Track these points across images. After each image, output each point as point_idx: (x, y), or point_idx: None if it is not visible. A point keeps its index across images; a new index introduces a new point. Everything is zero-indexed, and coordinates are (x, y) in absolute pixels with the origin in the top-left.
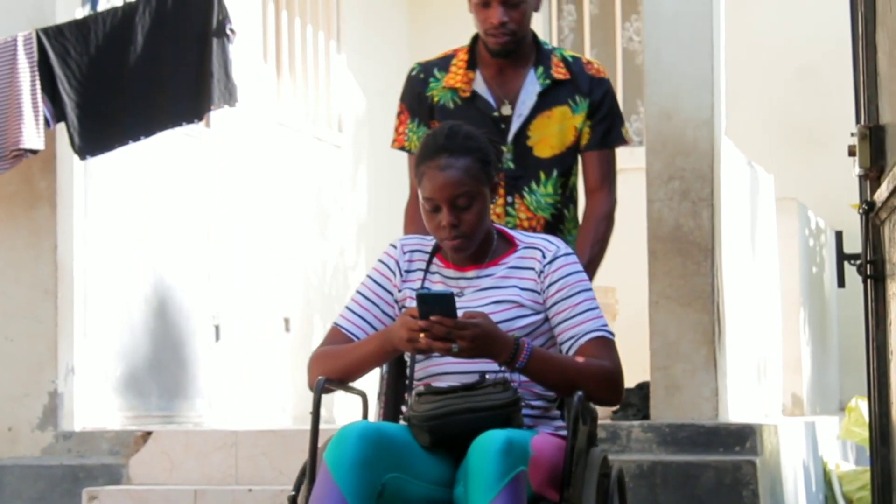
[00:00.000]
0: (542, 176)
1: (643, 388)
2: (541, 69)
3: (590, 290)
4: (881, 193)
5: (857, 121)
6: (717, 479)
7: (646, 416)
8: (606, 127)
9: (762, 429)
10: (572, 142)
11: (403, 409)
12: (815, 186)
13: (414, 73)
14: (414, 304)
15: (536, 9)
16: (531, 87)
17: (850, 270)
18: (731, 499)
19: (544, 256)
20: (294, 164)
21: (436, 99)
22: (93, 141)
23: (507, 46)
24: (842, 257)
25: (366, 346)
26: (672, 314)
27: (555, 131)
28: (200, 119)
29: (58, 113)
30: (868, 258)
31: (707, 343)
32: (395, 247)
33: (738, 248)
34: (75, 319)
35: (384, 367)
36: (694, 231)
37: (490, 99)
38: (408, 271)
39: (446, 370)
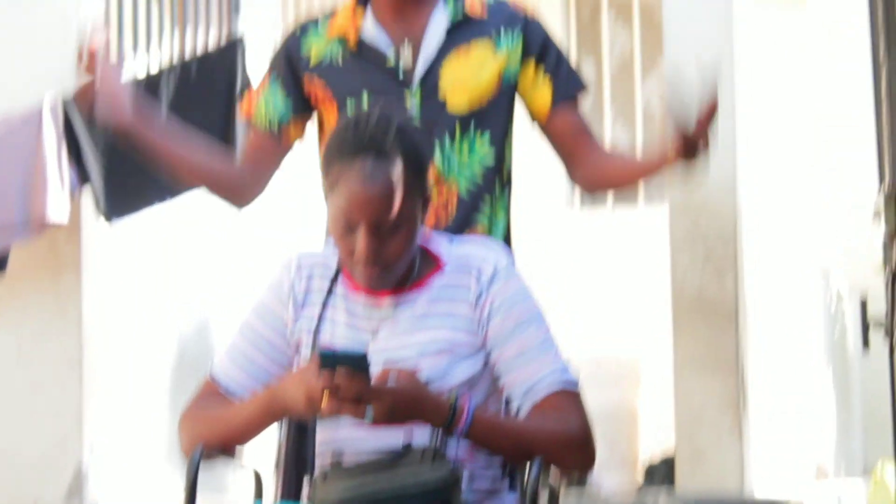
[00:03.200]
0: (457, 130)
1: (669, 462)
2: (451, 0)
3: (541, 318)
4: None
5: (881, 182)
6: None
7: (672, 483)
8: (567, 71)
9: None
10: (495, 90)
11: (307, 486)
12: (837, 249)
13: (290, 33)
14: (312, 342)
15: None
16: (438, 22)
17: (875, 334)
18: None
19: (480, 276)
20: (320, 227)
21: (314, 60)
22: (119, 204)
23: None
24: (866, 323)
25: (248, 409)
26: (697, 381)
27: (471, 74)
28: None
29: (83, 178)
30: (894, 322)
31: (732, 410)
32: (288, 265)
33: (762, 312)
34: (101, 390)
35: (281, 426)
36: (718, 296)
37: (385, 42)
38: (304, 299)
39: (361, 439)
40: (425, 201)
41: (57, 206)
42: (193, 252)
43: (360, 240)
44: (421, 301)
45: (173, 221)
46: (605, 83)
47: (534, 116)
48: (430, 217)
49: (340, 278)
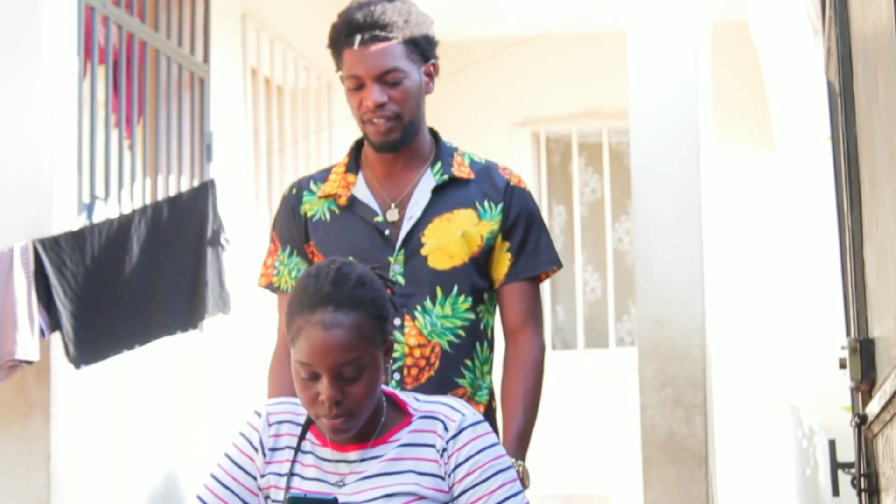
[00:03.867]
0: (439, 292)
1: None
2: (438, 165)
3: (508, 468)
4: (873, 408)
5: (847, 333)
6: None
7: None
8: (531, 251)
9: None
10: (477, 252)
11: None
12: (806, 388)
13: (287, 192)
14: (281, 494)
15: (428, 91)
16: (425, 184)
17: (845, 478)
18: None
19: (446, 429)
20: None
21: (309, 214)
22: (88, 350)
23: (392, 136)
24: (835, 466)
25: None
26: None
27: (455, 238)
28: (195, 328)
29: (53, 323)
30: (862, 471)
31: None
32: (258, 415)
33: (732, 454)
34: None
35: None
36: (687, 438)
37: (372, 203)
38: (273, 449)
39: None
40: (387, 348)
41: (27, 346)
42: (162, 397)
43: (323, 386)
44: (387, 453)
45: (142, 367)
46: (575, 226)
47: (492, 279)
48: (413, 369)
49: (309, 433)
